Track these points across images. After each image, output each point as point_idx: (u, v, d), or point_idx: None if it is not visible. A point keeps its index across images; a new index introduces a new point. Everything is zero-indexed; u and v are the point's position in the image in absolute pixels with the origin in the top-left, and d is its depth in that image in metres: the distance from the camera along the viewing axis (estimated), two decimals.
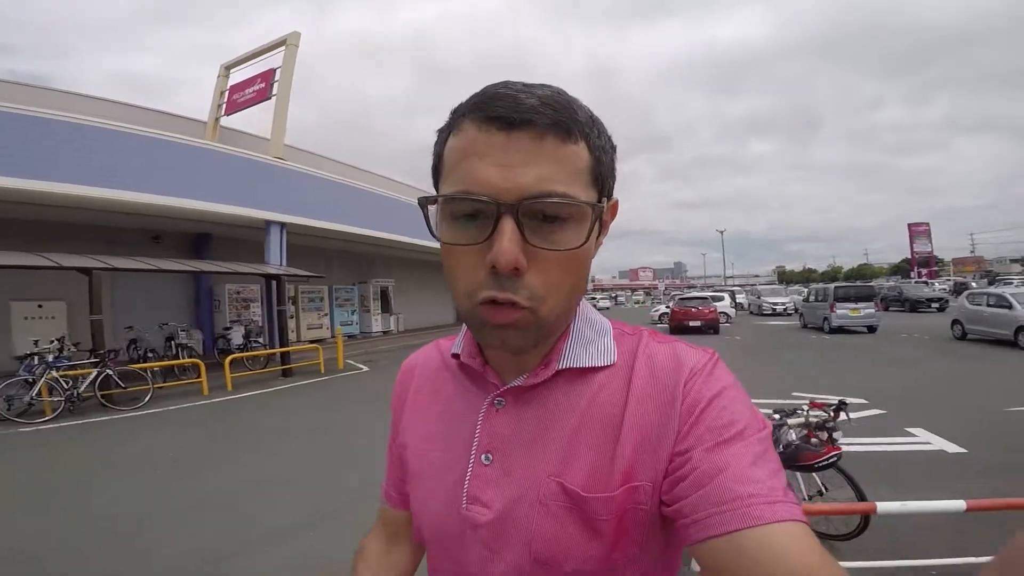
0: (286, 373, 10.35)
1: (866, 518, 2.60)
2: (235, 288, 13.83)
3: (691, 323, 16.75)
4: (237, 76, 13.62)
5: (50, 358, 7.30)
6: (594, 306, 0.56)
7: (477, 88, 0.47)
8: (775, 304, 26.39)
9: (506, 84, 0.46)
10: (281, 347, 10.77)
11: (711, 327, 16.78)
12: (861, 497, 2.59)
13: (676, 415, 0.48)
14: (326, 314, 16.54)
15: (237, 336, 11.63)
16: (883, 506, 2.08)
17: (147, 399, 7.54)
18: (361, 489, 3.86)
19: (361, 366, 11.46)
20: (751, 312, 28.76)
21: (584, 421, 0.51)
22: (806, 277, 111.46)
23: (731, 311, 22.54)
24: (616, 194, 0.53)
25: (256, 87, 12.95)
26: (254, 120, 14.15)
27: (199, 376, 8.72)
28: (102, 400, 7.28)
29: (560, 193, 0.44)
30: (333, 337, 13.41)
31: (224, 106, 13.52)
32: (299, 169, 12.77)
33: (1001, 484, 3.48)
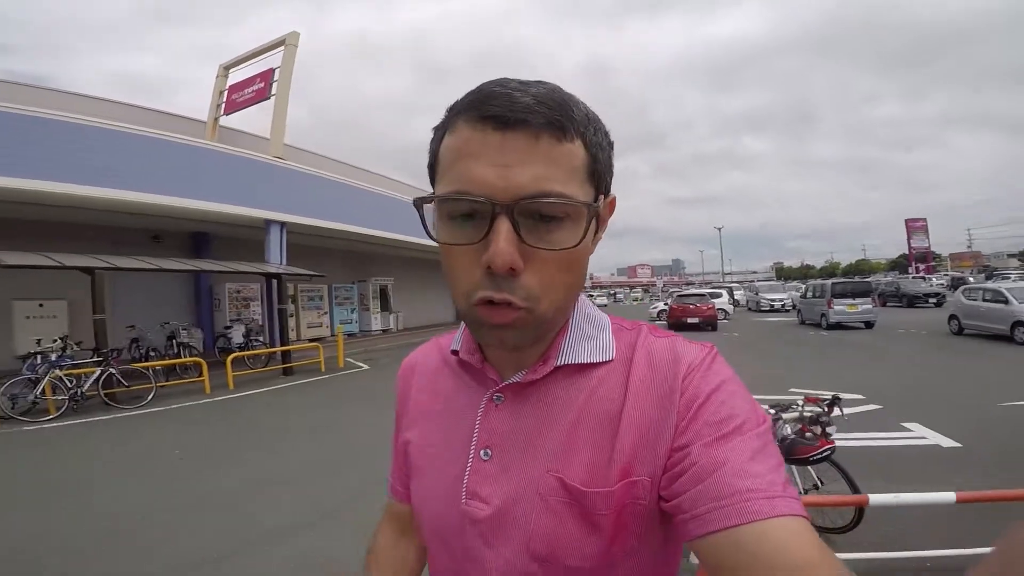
0: (287, 372, 10.40)
1: (860, 511, 2.66)
2: (235, 287, 13.87)
3: (689, 320, 16.82)
4: (236, 76, 13.62)
5: (53, 357, 7.36)
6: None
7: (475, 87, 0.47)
8: (773, 300, 26.48)
9: (501, 82, 0.45)
10: (282, 346, 10.82)
11: (709, 324, 16.85)
12: (855, 490, 2.66)
13: (674, 410, 0.48)
14: (326, 313, 16.59)
15: (238, 335, 11.67)
16: (875, 498, 2.14)
17: (150, 398, 7.59)
18: (362, 488, 3.90)
19: (361, 364, 11.50)
20: (749, 308, 28.85)
21: (583, 416, 0.51)
22: (804, 273, 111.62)
23: (729, 308, 22.62)
24: (614, 191, 0.53)
25: (255, 87, 12.96)
26: (252, 120, 14.15)
27: (201, 375, 8.76)
28: (105, 399, 7.32)
29: (556, 192, 0.44)
30: (333, 336, 13.45)
31: (223, 106, 13.53)
32: (299, 169, 12.80)
33: (994, 478, 3.54)
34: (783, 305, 25.67)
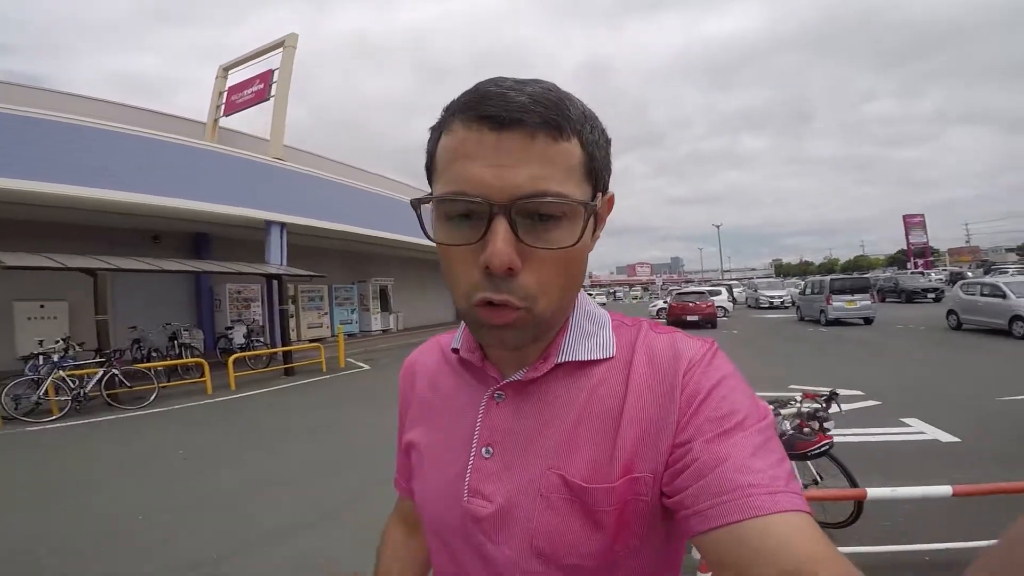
0: (288, 372, 10.43)
1: (859, 506, 2.69)
2: (235, 288, 13.89)
3: (688, 318, 16.85)
4: (235, 77, 13.65)
5: (56, 357, 7.39)
6: None
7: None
8: (772, 297, 26.52)
9: (497, 81, 0.45)
10: (283, 346, 10.85)
11: (708, 321, 16.88)
12: (853, 484, 2.69)
13: (676, 406, 0.48)
14: (326, 313, 16.61)
15: (239, 335, 11.69)
16: (873, 492, 2.17)
17: (152, 398, 7.61)
18: (363, 488, 3.93)
19: (362, 365, 11.53)
20: (748, 306, 28.91)
21: (584, 414, 0.51)
22: (803, 270, 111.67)
23: (728, 305, 22.67)
24: (612, 188, 0.53)
25: (254, 88, 12.99)
26: (251, 121, 14.17)
27: (203, 375, 8.79)
28: (108, 399, 7.35)
29: (553, 192, 0.44)
30: (333, 336, 13.47)
31: (223, 107, 13.56)
32: (298, 169, 12.83)
33: (992, 472, 3.57)
34: (782, 302, 25.72)
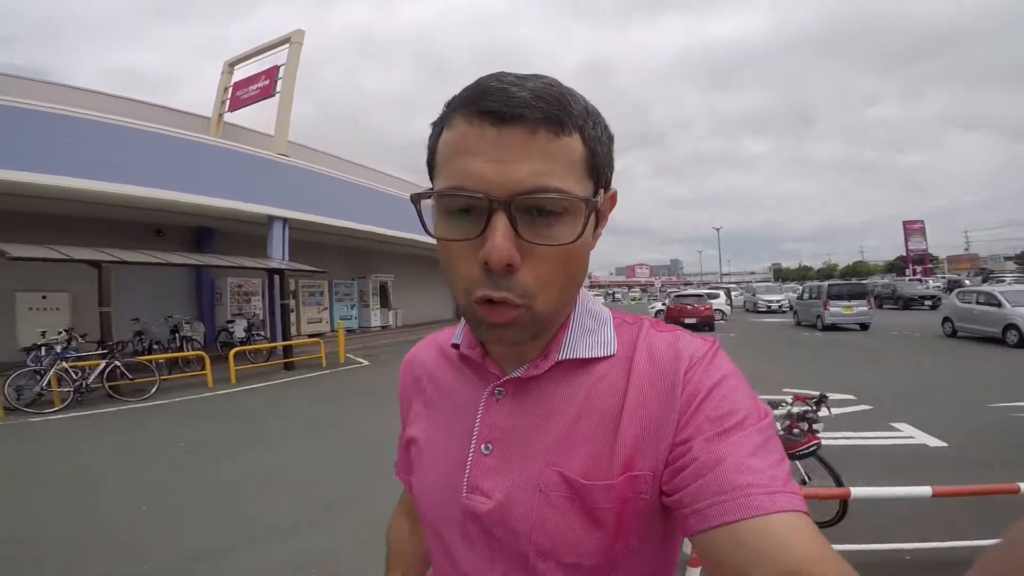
0: (288, 366, 10.50)
1: (844, 505, 2.78)
2: (236, 282, 13.97)
3: (687, 320, 16.93)
4: (241, 73, 13.70)
5: (58, 349, 7.39)
6: None
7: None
8: (770, 301, 26.70)
9: (498, 76, 0.45)
10: (284, 341, 10.93)
11: (706, 324, 16.97)
12: (839, 484, 2.78)
13: (676, 404, 0.48)
14: (326, 308, 16.69)
15: (239, 329, 11.77)
16: (857, 491, 2.26)
17: (153, 391, 7.66)
18: (363, 483, 3.97)
19: (362, 360, 11.60)
20: (746, 309, 29.03)
21: (584, 411, 0.51)
22: (802, 275, 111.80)
23: (726, 308, 22.77)
24: (615, 186, 0.53)
25: (260, 84, 13.05)
26: (256, 116, 14.22)
27: (203, 368, 8.85)
28: (110, 391, 7.38)
29: (554, 188, 0.43)
30: (333, 331, 13.54)
31: (228, 102, 13.61)
32: (302, 165, 12.89)
33: (977, 475, 3.65)
34: (780, 306, 25.89)
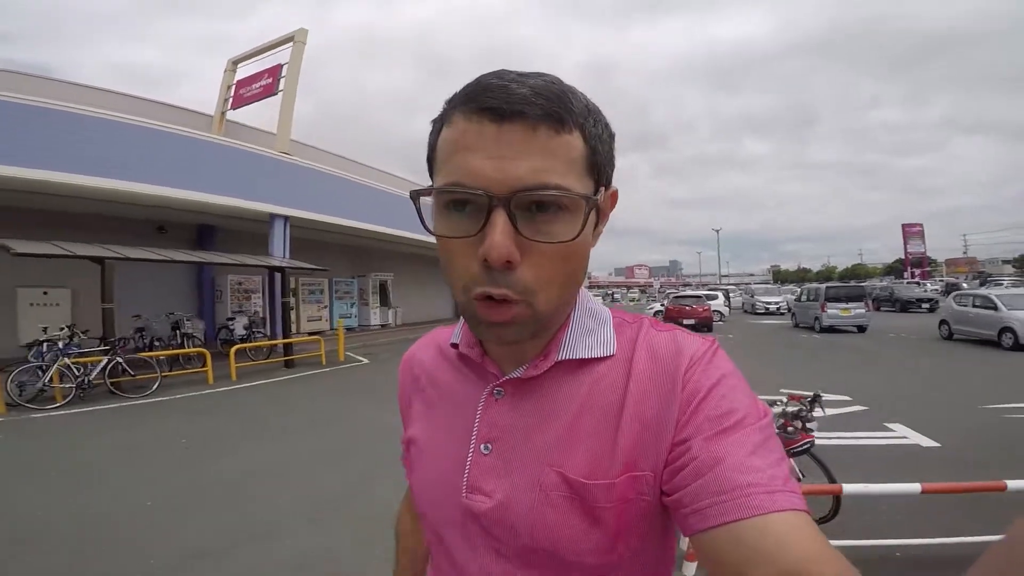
0: (288, 364, 10.55)
1: (837, 502, 2.84)
2: (237, 279, 14.02)
3: (685, 321, 16.98)
4: (244, 71, 13.76)
5: (61, 344, 7.42)
6: None
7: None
8: (768, 303, 26.77)
9: (499, 74, 0.45)
10: (284, 338, 10.98)
11: (705, 325, 17.03)
12: (831, 481, 2.84)
13: (676, 404, 0.48)
14: (326, 306, 16.73)
15: (239, 327, 11.81)
16: (848, 487, 2.32)
17: (155, 387, 7.68)
18: (362, 481, 4.00)
19: (361, 359, 11.65)
20: (745, 311, 29.09)
21: (584, 411, 0.51)
22: (801, 277, 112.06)
23: (725, 310, 22.85)
24: (615, 185, 0.52)
25: (263, 82, 13.11)
26: (258, 114, 14.27)
27: (204, 365, 8.90)
28: (111, 388, 7.40)
29: (554, 185, 0.43)
30: (332, 329, 13.59)
31: (231, 100, 13.67)
32: (304, 164, 12.94)
33: (967, 474, 3.69)
34: (778, 308, 25.94)
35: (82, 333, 8.16)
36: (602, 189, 0.49)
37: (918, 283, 35.74)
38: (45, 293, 10.53)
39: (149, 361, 8.12)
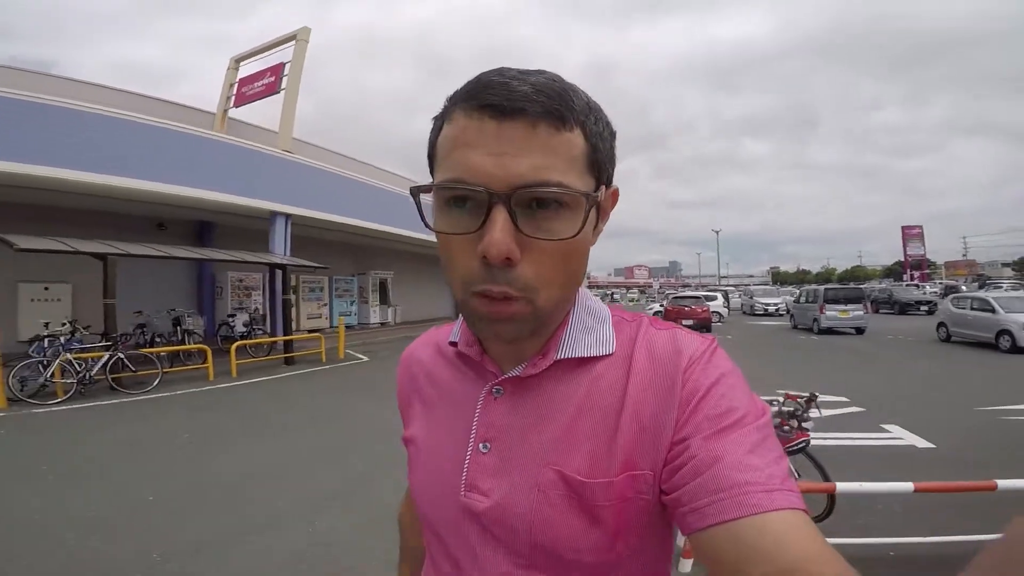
0: (288, 361, 10.58)
1: (832, 501, 2.88)
2: (237, 276, 14.07)
3: (684, 322, 17.04)
4: (246, 69, 13.79)
5: (62, 340, 7.44)
6: None
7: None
8: (767, 304, 26.87)
9: (500, 71, 0.45)
10: (285, 335, 11.02)
11: (703, 326, 17.08)
12: (826, 479, 2.89)
13: (676, 403, 0.48)
14: (325, 304, 16.76)
15: (240, 323, 11.84)
16: (842, 486, 2.36)
17: (155, 383, 7.71)
18: (362, 477, 4.04)
19: (361, 356, 11.68)
20: (744, 312, 29.15)
21: (583, 410, 0.51)
22: (800, 278, 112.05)
23: (724, 311, 22.91)
24: (616, 183, 0.52)
25: (266, 80, 13.14)
26: (260, 112, 14.30)
27: (204, 362, 8.92)
28: (112, 383, 7.43)
29: (555, 182, 0.43)
30: (332, 327, 13.62)
31: (233, 98, 13.69)
32: (305, 162, 12.98)
33: (961, 475, 3.73)
34: (777, 309, 26.06)
35: (84, 329, 8.18)
36: (603, 187, 0.49)
37: (917, 285, 35.84)
38: (46, 288, 10.56)
39: (150, 357, 8.13)
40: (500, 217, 0.42)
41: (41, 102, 8.47)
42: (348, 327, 16.38)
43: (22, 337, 8.85)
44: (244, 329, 11.70)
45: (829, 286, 19.40)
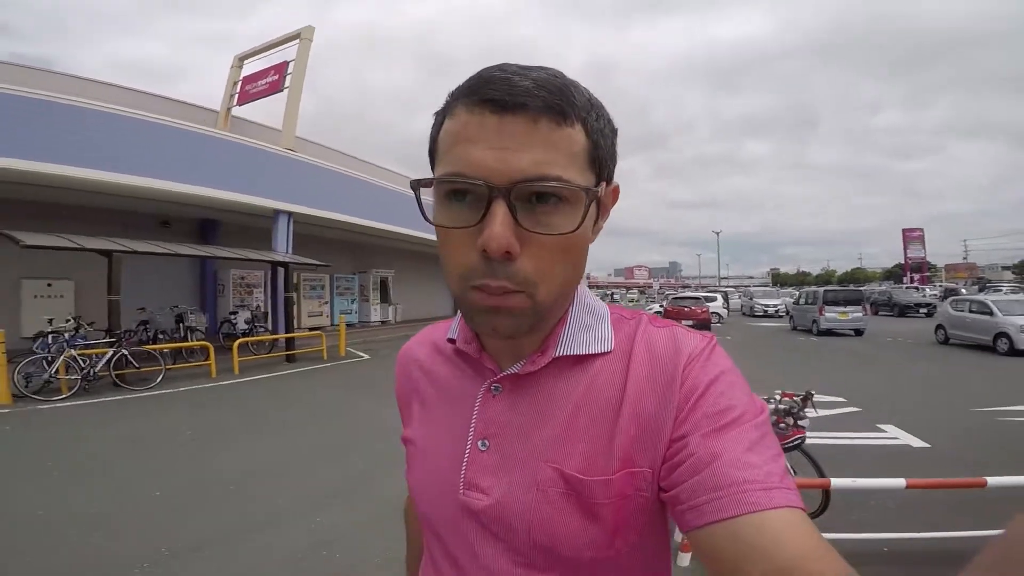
0: (290, 359, 10.63)
1: (827, 497, 2.93)
2: (239, 274, 14.11)
3: (683, 322, 17.06)
4: (250, 67, 13.84)
5: (67, 336, 7.47)
6: None
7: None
8: (767, 306, 26.95)
9: (501, 67, 0.45)
10: (286, 333, 11.07)
11: (703, 327, 17.15)
12: (821, 475, 2.94)
13: (675, 400, 0.48)
14: (326, 302, 16.80)
15: (242, 321, 11.89)
16: (837, 482, 2.41)
17: (159, 380, 7.74)
18: (363, 474, 4.07)
19: (362, 354, 11.72)
20: (743, 313, 29.20)
21: (582, 408, 0.51)
22: (800, 280, 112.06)
23: (723, 312, 22.97)
24: (616, 180, 0.52)
25: (269, 79, 13.18)
26: (263, 110, 14.34)
27: (207, 359, 8.96)
28: (116, 380, 7.46)
29: (555, 177, 0.43)
30: (333, 325, 13.66)
31: (237, 96, 13.73)
32: (308, 160, 13.02)
33: (955, 474, 3.74)
34: (777, 311, 26.12)
35: (87, 325, 8.21)
36: (604, 184, 0.49)
37: (917, 288, 35.87)
38: (49, 285, 10.61)
39: (153, 354, 8.17)
40: (500, 211, 0.42)
41: (46, 99, 8.50)
42: (349, 325, 16.41)
43: (25, 333, 8.90)
44: (246, 326, 11.74)
45: (828, 288, 19.46)
